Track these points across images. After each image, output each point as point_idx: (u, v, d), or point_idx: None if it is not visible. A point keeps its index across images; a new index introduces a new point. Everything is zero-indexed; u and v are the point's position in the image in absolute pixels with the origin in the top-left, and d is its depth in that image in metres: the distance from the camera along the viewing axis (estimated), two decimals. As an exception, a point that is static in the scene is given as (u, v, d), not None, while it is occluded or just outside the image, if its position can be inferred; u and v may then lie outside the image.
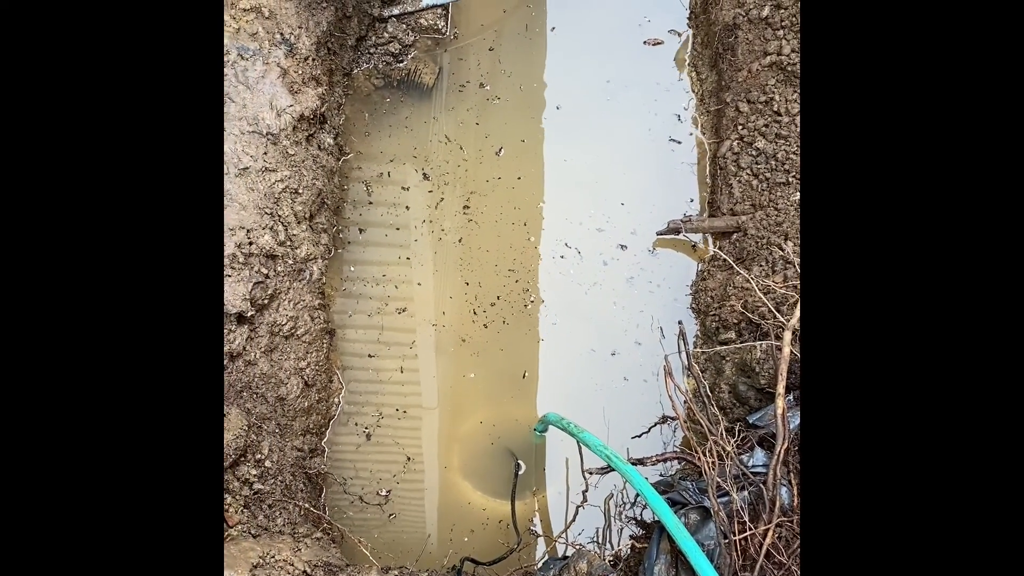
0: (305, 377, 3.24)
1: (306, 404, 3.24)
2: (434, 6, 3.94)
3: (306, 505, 3.00)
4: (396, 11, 3.91)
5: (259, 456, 2.98)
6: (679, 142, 3.87)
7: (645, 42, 4.09)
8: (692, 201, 3.76)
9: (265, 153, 3.15)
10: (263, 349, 3.11)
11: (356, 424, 3.42)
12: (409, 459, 3.38)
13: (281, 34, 3.28)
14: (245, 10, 3.22)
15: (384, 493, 3.33)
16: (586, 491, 3.08)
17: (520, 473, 3.34)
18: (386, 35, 3.91)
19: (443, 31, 4.03)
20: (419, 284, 3.65)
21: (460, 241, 3.71)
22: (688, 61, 4.04)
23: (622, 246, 3.68)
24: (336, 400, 3.44)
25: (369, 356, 3.52)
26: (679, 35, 4.09)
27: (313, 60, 3.40)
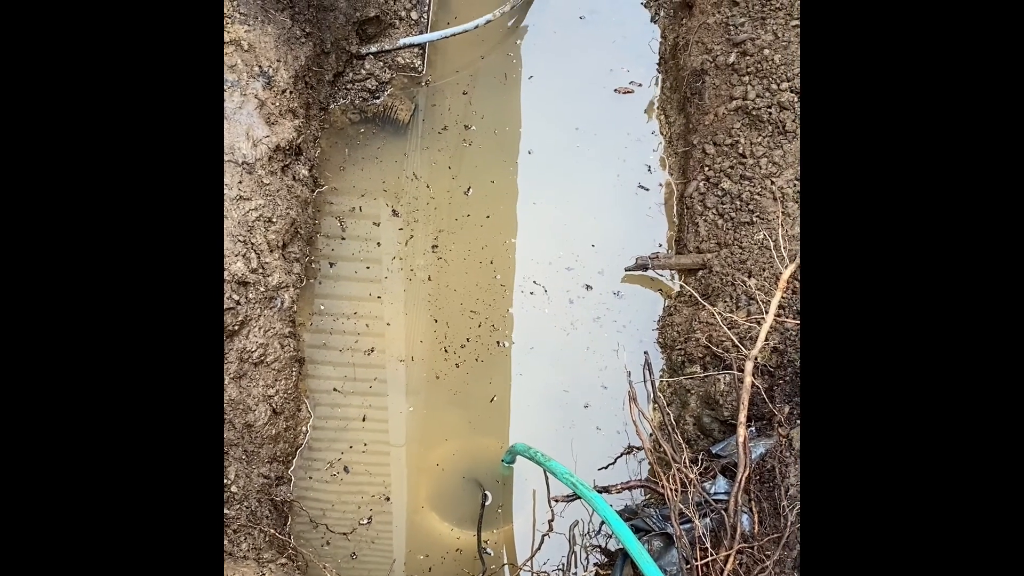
0: (273, 405, 3.24)
1: (274, 432, 3.24)
2: (411, 45, 4.04)
3: (272, 531, 2.99)
4: (373, 49, 4.00)
5: (225, 481, 2.98)
6: (647, 189, 3.96)
7: (616, 90, 4.20)
8: (660, 245, 3.84)
9: (240, 182, 3.20)
10: (232, 375, 3.12)
11: (326, 463, 3.43)
12: (388, 499, 3.38)
13: (259, 67, 3.36)
14: (224, 42, 3.29)
15: (365, 522, 3.33)
16: (552, 520, 3.10)
17: (487, 503, 3.35)
18: (363, 72, 4.00)
19: (420, 70, 4.12)
20: (388, 324, 3.68)
21: (429, 279, 3.76)
22: (657, 105, 4.16)
23: (587, 286, 3.75)
24: (304, 429, 3.44)
25: (335, 390, 3.54)
26: (639, 85, 4.20)
27: (290, 93, 3.47)
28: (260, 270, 3.22)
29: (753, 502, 2.69)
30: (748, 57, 3.66)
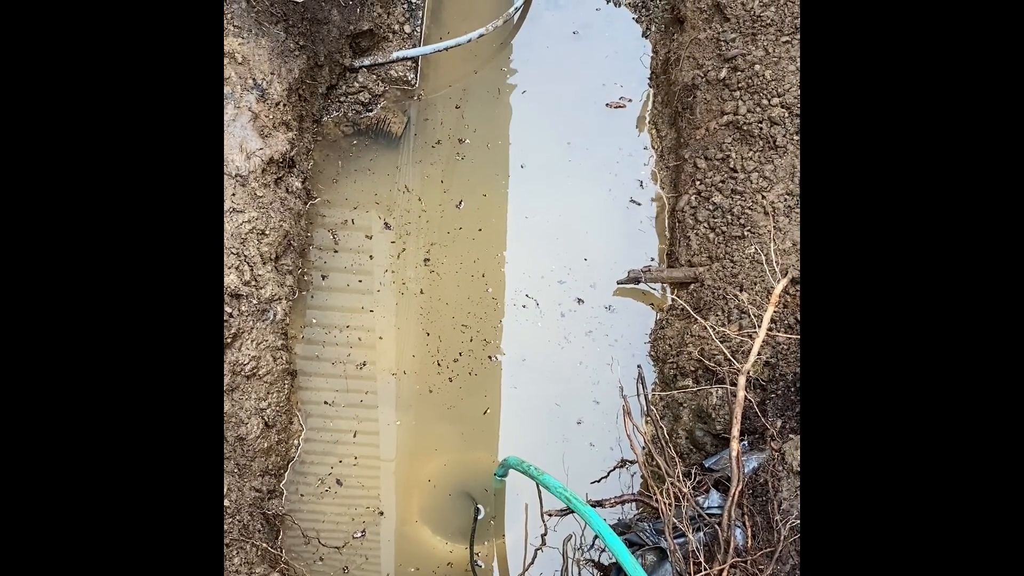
0: (265, 418, 3.23)
1: (265, 445, 3.23)
2: (404, 58, 4.05)
3: (264, 545, 2.98)
4: (367, 62, 4.01)
5: (217, 495, 2.97)
6: (639, 203, 3.97)
7: (608, 104, 4.22)
8: (652, 259, 3.85)
9: (233, 194, 3.20)
10: (225, 388, 3.11)
11: (318, 477, 3.42)
12: (382, 514, 3.37)
13: (253, 79, 3.36)
14: (219, 55, 3.29)
15: (359, 535, 3.32)
16: (545, 534, 3.10)
17: (480, 517, 3.35)
18: (356, 84, 4.01)
19: (413, 83, 4.13)
20: (380, 338, 3.67)
21: (421, 292, 3.76)
22: (649, 120, 4.18)
23: (580, 300, 3.75)
24: (296, 442, 3.43)
25: (326, 403, 3.53)
26: (631, 100, 4.22)
27: (284, 106, 3.47)
28: (253, 282, 3.22)
29: (746, 516, 2.70)
30: (739, 72, 3.69)
